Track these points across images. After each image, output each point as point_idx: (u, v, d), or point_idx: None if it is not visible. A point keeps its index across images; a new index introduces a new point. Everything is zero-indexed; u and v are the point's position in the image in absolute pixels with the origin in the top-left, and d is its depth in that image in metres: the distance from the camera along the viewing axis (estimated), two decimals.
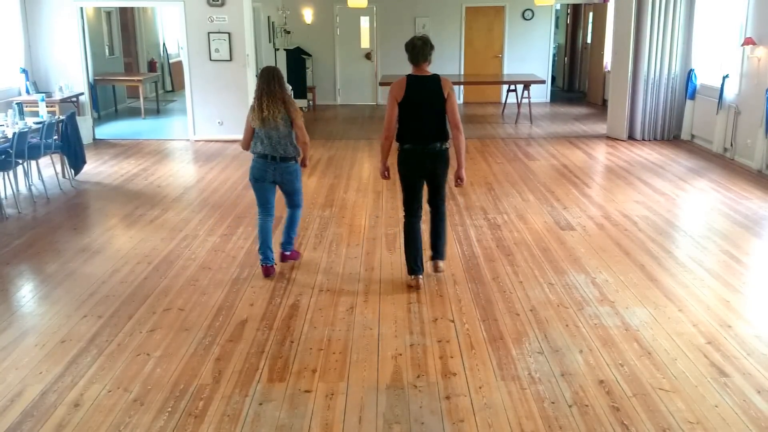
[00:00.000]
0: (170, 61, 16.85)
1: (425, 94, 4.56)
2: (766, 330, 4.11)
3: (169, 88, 16.72)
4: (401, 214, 4.93)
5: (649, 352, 3.83)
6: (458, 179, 4.73)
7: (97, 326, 4.19)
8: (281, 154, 4.78)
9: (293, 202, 5.08)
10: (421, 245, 4.81)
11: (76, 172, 7.98)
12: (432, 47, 4.64)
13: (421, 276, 4.79)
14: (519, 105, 12.54)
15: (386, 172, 4.81)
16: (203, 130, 10.53)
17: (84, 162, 8.10)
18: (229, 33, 10.09)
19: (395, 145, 4.68)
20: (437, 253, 4.93)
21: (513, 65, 14.56)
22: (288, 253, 5.19)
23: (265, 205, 4.95)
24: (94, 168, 8.59)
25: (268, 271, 4.95)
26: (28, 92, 9.79)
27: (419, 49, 4.58)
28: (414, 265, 4.77)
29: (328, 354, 3.84)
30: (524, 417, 3.22)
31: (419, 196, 4.75)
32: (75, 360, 3.78)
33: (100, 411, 3.28)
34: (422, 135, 4.58)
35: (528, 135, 10.87)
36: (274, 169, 4.81)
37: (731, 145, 8.80)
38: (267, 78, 4.77)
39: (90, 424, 3.18)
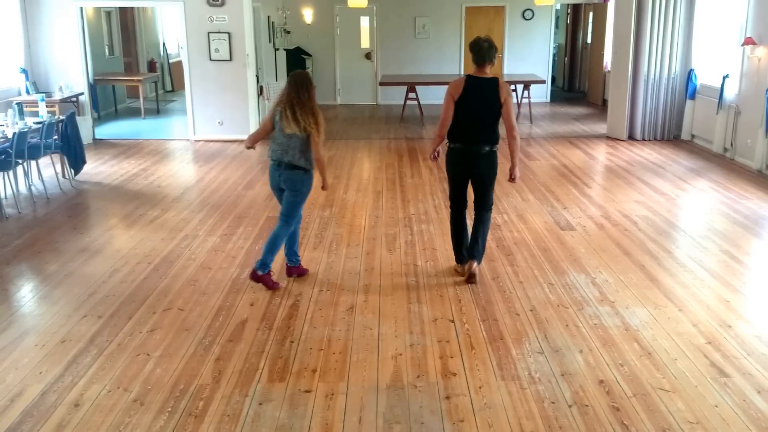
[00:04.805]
0: (170, 61, 16.85)
1: (482, 95, 4.63)
2: (766, 330, 4.11)
3: (169, 88, 16.72)
4: (448, 204, 5.15)
5: (649, 352, 3.83)
6: (511, 177, 4.84)
7: (97, 326, 4.19)
8: (287, 161, 4.60)
9: (287, 212, 4.72)
10: (466, 236, 4.96)
11: (76, 172, 7.98)
12: (496, 50, 4.71)
13: (466, 265, 4.88)
14: (519, 105, 12.54)
15: (434, 155, 5.01)
16: (203, 130, 10.53)
17: (84, 162, 8.10)
18: (229, 33, 10.09)
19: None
20: (470, 254, 4.88)
21: (513, 65, 14.56)
22: (296, 266, 4.93)
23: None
24: (94, 168, 8.59)
25: (256, 277, 4.70)
26: (28, 92, 9.79)
27: (485, 51, 4.61)
28: (458, 254, 5.00)
29: (328, 354, 3.84)
30: (524, 417, 3.22)
31: (464, 194, 4.91)
32: (75, 360, 3.78)
33: (100, 411, 3.28)
34: (472, 136, 4.69)
35: (528, 135, 10.87)
36: (279, 175, 4.65)
37: (731, 145, 8.80)
38: (297, 86, 4.58)
39: (90, 424, 3.18)
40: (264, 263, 4.66)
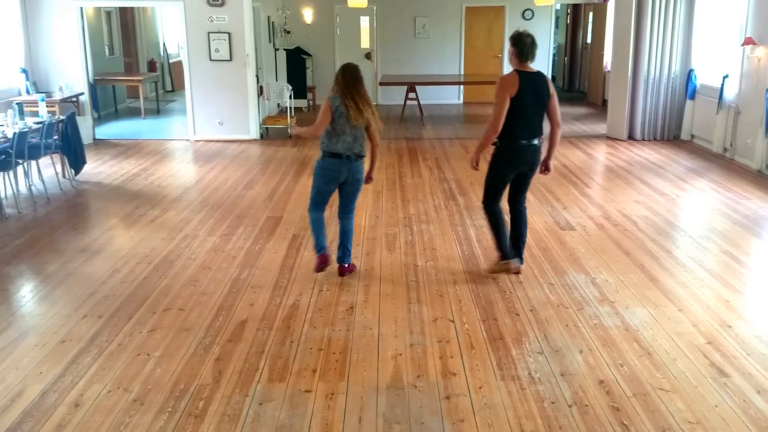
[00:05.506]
0: (170, 61, 16.86)
1: (535, 90, 4.68)
2: (766, 330, 4.11)
3: (169, 88, 16.73)
4: (480, 203, 5.11)
5: (649, 352, 3.83)
6: (546, 167, 4.95)
7: (97, 326, 4.19)
8: (357, 152, 4.77)
9: (351, 206, 4.98)
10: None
11: (76, 172, 7.98)
12: (537, 46, 4.75)
13: (513, 261, 4.91)
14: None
15: (477, 163, 4.95)
16: (203, 130, 10.54)
17: (84, 162, 8.10)
18: (229, 33, 10.10)
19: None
20: (520, 254, 5.01)
21: None
22: (347, 265, 4.99)
23: (323, 204, 4.96)
24: (94, 168, 8.59)
25: (324, 261, 4.86)
26: (28, 92, 9.79)
27: (530, 46, 4.65)
28: (508, 250, 4.91)
29: (328, 354, 3.85)
30: (524, 417, 3.22)
31: (506, 188, 4.94)
32: (75, 360, 3.78)
33: (100, 411, 3.28)
34: (529, 130, 4.72)
35: None
36: (348, 168, 4.78)
37: (731, 145, 8.80)
38: (354, 78, 4.72)
39: (90, 424, 3.18)
40: (348, 254, 4.97)
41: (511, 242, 5.03)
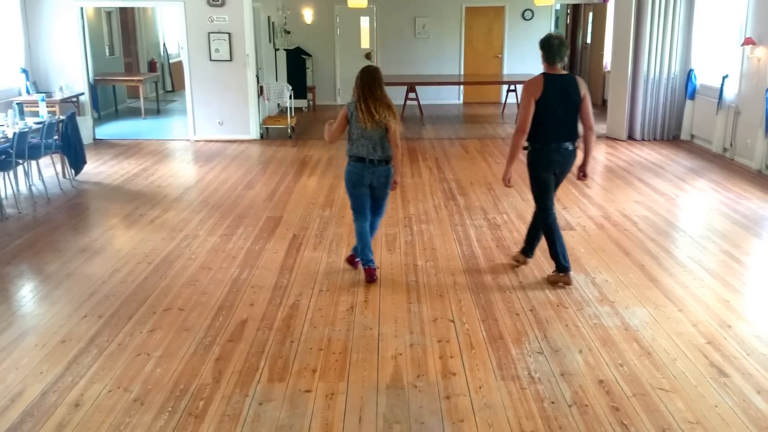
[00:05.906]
0: (170, 61, 16.86)
1: (563, 93, 4.59)
2: (766, 330, 4.11)
3: (169, 88, 16.72)
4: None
5: (648, 352, 3.84)
6: (583, 173, 4.94)
7: (97, 326, 4.20)
8: (380, 156, 4.68)
9: (380, 210, 4.97)
10: None
11: (77, 172, 7.98)
12: (567, 47, 4.66)
13: (571, 272, 4.79)
14: (519, 105, 12.54)
15: (509, 179, 4.85)
16: (203, 130, 10.54)
17: (84, 162, 8.10)
18: (229, 33, 10.10)
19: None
20: (532, 250, 5.12)
21: (513, 65, 14.56)
22: (358, 260, 5.03)
23: (364, 210, 4.85)
24: (95, 168, 8.60)
25: (373, 274, 4.84)
26: (28, 92, 9.80)
27: (557, 48, 4.56)
28: (566, 262, 4.78)
29: (328, 354, 3.85)
30: (524, 417, 3.22)
31: (553, 191, 4.86)
32: (75, 360, 3.78)
33: (100, 411, 3.28)
34: (557, 133, 4.63)
35: None
36: (372, 172, 4.71)
37: (731, 145, 8.80)
38: (369, 81, 4.64)
39: (90, 424, 3.19)
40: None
41: (527, 238, 5.09)
